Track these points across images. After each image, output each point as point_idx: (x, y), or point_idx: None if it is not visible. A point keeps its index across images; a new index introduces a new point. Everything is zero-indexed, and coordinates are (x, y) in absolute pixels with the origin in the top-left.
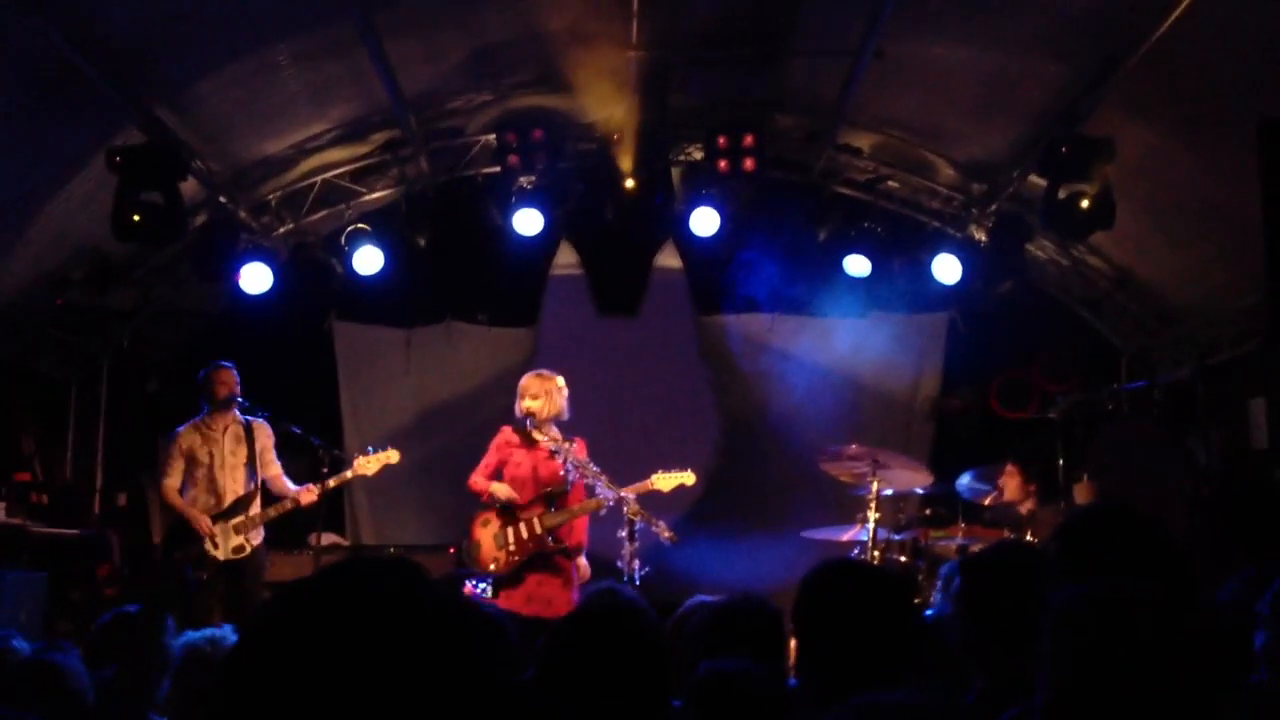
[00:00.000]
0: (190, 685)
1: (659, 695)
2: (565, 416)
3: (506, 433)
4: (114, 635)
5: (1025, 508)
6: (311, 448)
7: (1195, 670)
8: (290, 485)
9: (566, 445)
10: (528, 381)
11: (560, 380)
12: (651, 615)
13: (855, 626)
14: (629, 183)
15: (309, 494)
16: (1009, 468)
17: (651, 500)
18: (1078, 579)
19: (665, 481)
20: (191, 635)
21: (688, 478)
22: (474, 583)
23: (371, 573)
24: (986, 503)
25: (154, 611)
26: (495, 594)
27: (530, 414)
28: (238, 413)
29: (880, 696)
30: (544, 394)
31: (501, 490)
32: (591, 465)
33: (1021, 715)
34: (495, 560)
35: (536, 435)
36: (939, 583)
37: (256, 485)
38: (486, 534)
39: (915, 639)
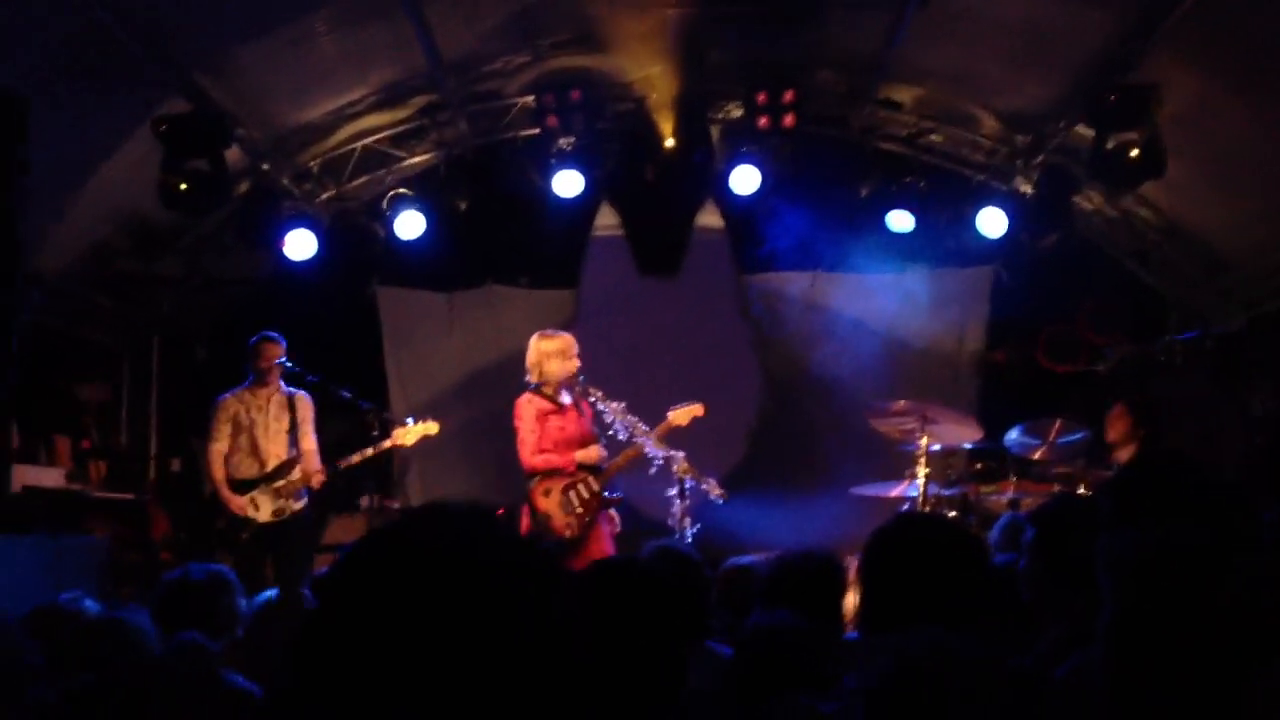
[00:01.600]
0: (260, 641)
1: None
2: (579, 375)
3: (535, 401)
4: (182, 595)
5: (1125, 453)
6: (360, 411)
7: (1246, 609)
8: (315, 464)
9: (614, 405)
10: (537, 344)
11: (568, 338)
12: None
13: (931, 577)
14: (669, 142)
15: (319, 477)
16: (1117, 408)
17: (695, 457)
18: (1130, 528)
19: (680, 416)
20: (264, 594)
21: (697, 409)
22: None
23: (451, 519)
24: (1037, 456)
25: (219, 572)
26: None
27: (546, 377)
28: (282, 383)
29: (926, 636)
30: (557, 354)
31: (590, 455)
32: (640, 424)
33: (1084, 661)
34: (569, 525)
35: (559, 398)
36: (995, 535)
37: (299, 452)
38: (551, 503)
39: (988, 590)
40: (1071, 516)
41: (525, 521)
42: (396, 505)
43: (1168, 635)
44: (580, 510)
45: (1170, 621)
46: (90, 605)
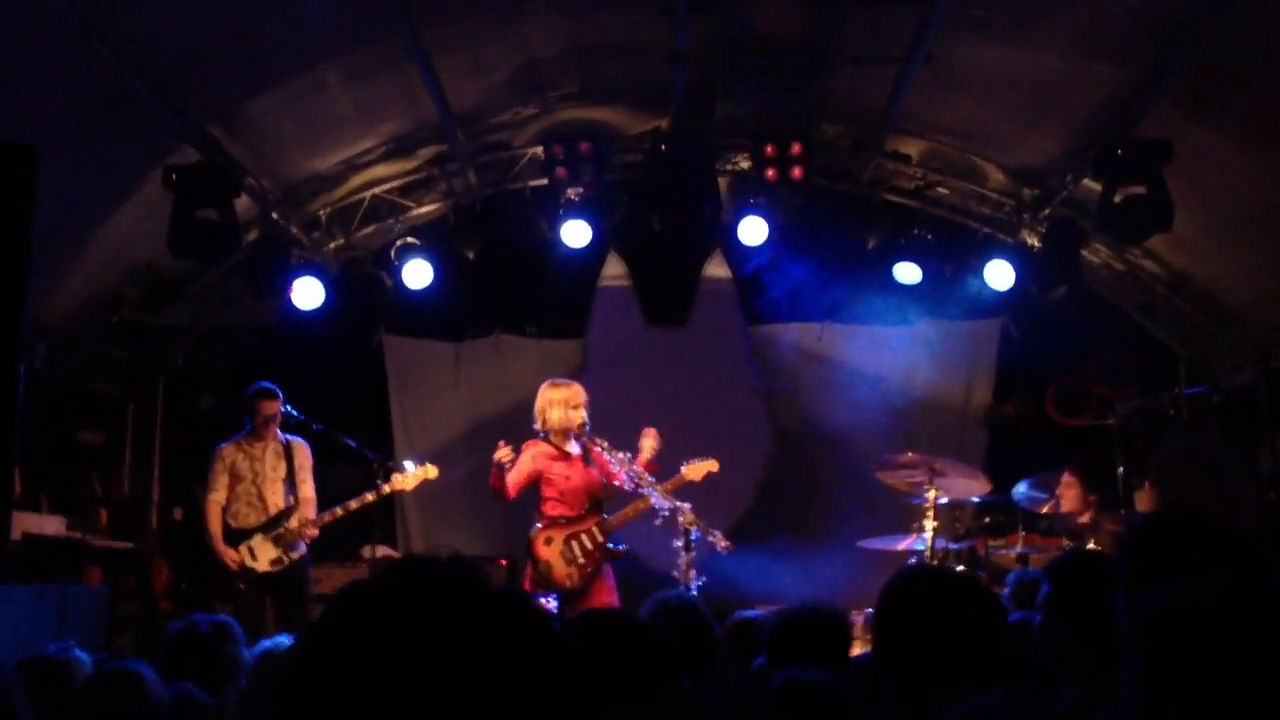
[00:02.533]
0: (262, 692)
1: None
2: (585, 425)
3: (539, 447)
4: (188, 646)
5: (1085, 518)
6: (366, 460)
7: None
8: (311, 513)
9: (621, 456)
10: (545, 393)
11: (576, 388)
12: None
13: (947, 631)
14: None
15: (312, 531)
16: (1066, 477)
17: (702, 509)
18: (1153, 583)
19: (694, 471)
20: (264, 644)
21: (712, 465)
22: (544, 598)
23: (430, 572)
24: (1044, 510)
25: (225, 623)
26: (561, 610)
27: (549, 426)
28: (279, 431)
29: (991, 701)
30: (563, 403)
31: (503, 454)
32: (647, 476)
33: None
34: (569, 576)
35: (566, 447)
36: (1006, 591)
37: (296, 501)
38: (553, 552)
39: (1004, 645)
40: (1087, 572)
41: (528, 571)
42: (398, 555)
43: (1198, 694)
44: (583, 561)
45: (1201, 680)
46: (81, 655)
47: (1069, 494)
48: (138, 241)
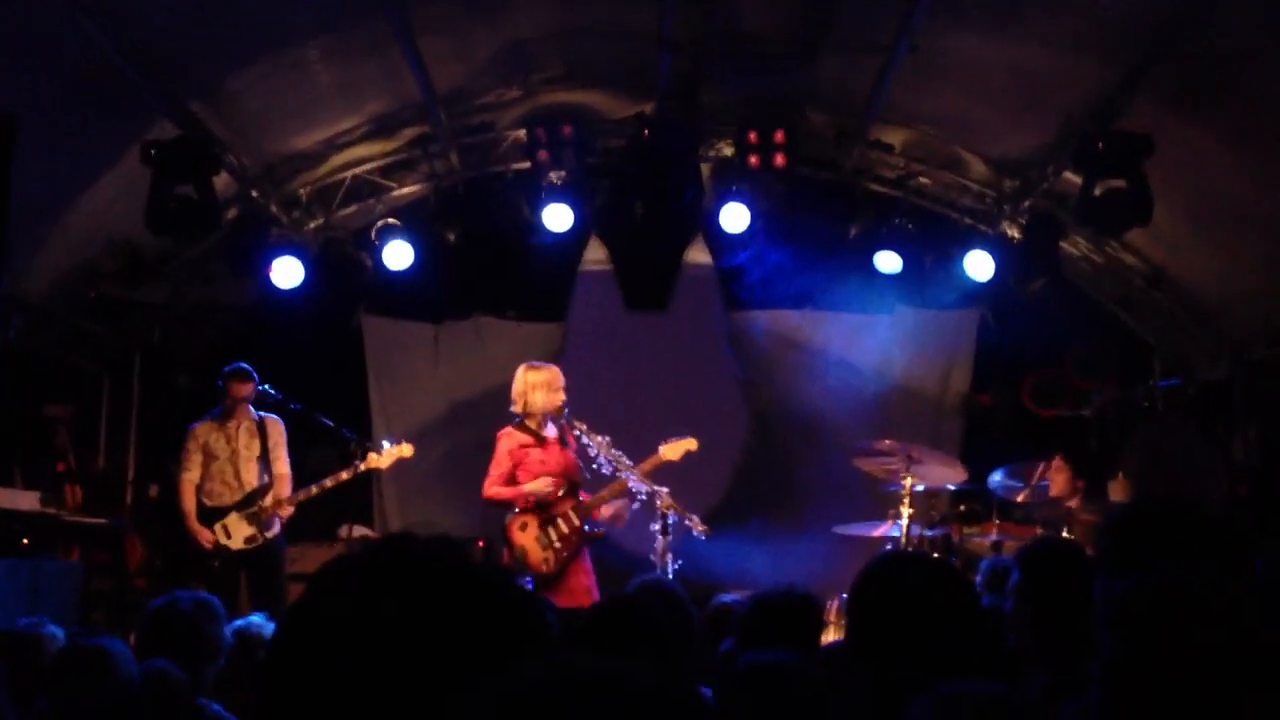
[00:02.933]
0: (241, 670)
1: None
2: (564, 408)
3: (514, 435)
4: (168, 623)
5: (1072, 503)
6: (343, 440)
7: (1261, 653)
8: (287, 488)
9: (598, 439)
10: (524, 376)
11: (555, 371)
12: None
13: (920, 617)
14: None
15: (288, 509)
16: (1057, 462)
17: (680, 493)
18: (1130, 571)
19: (672, 450)
20: (238, 623)
21: (690, 443)
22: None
23: (414, 550)
24: (1020, 499)
25: (207, 600)
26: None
27: (532, 409)
28: (251, 409)
29: (965, 686)
30: (543, 386)
31: (540, 486)
32: (624, 458)
33: (1080, 709)
34: (545, 561)
35: (543, 431)
36: (979, 578)
37: (271, 479)
38: (528, 538)
39: (977, 631)
40: (1057, 559)
41: (504, 557)
42: (375, 536)
43: (1169, 679)
44: (559, 545)
45: (1172, 665)
46: (54, 630)
47: (1058, 478)
48: (117, 217)
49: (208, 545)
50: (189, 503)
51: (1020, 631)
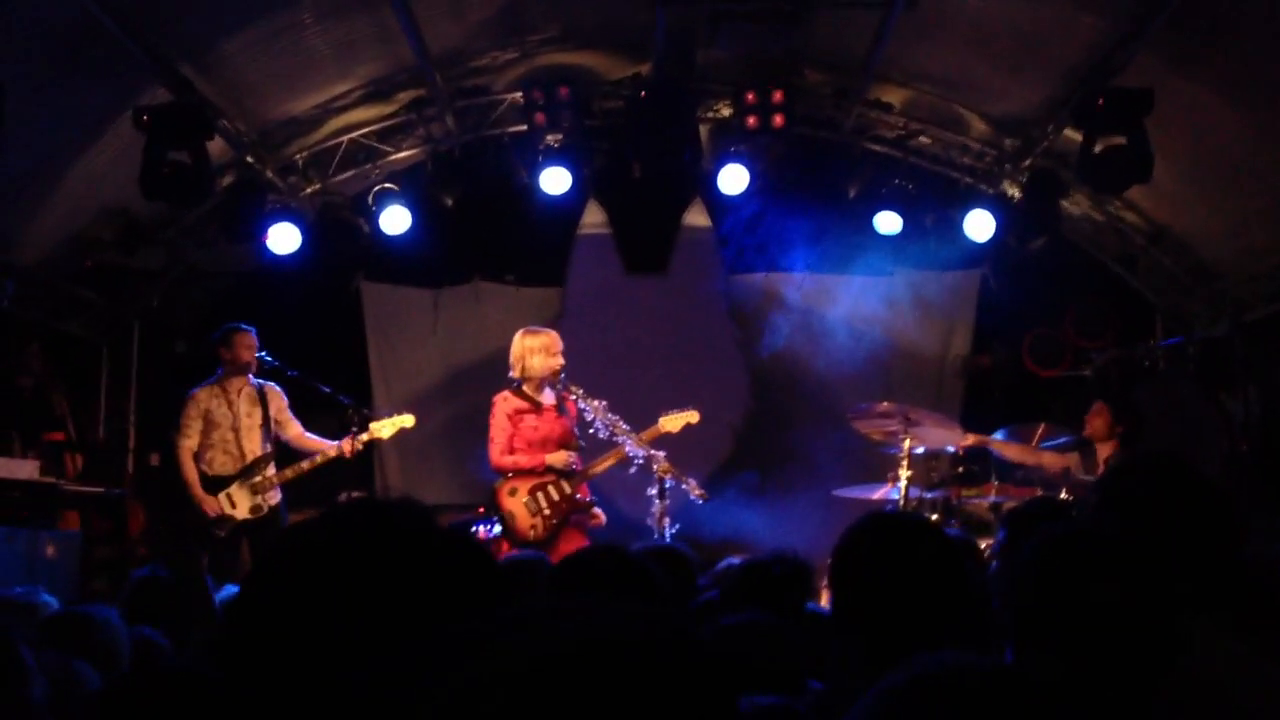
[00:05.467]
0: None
1: None
2: (561, 372)
3: (509, 399)
4: (150, 593)
5: (1107, 449)
6: (340, 406)
7: (1154, 613)
8: (319, 440)
9: (595, 404)
10: (521, 341)
11: (553, 335)
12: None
13: (904, 580)
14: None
15: (343, 446)
16: (1097, 405)
17: (680, 457)
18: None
19: (672, 422)
20: (229, 589)
21: (692, 415)
22: (483, 525)
23: (374, 513)
24: (1033, 444)
25: (190, 570)
26: None
27: (530, 374)
28: (250, 377)
29: (944, 659)
30: (540, 351)
31: (559, 459)
32: (621, 423)
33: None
34: (534, 527)
35: (539, 396)
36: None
37: (272, 447)
38: (517, 503)
39: (960, 593)
40: (1046, 518)
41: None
42: None
43: (1061, 630)
44: (548, 512)
45: (1065, 617)
46: (48, 599)
47: (1096, 422)
48: (111, 184)
49: (211, 514)
50: (190, 472)
51: (1004, 591)
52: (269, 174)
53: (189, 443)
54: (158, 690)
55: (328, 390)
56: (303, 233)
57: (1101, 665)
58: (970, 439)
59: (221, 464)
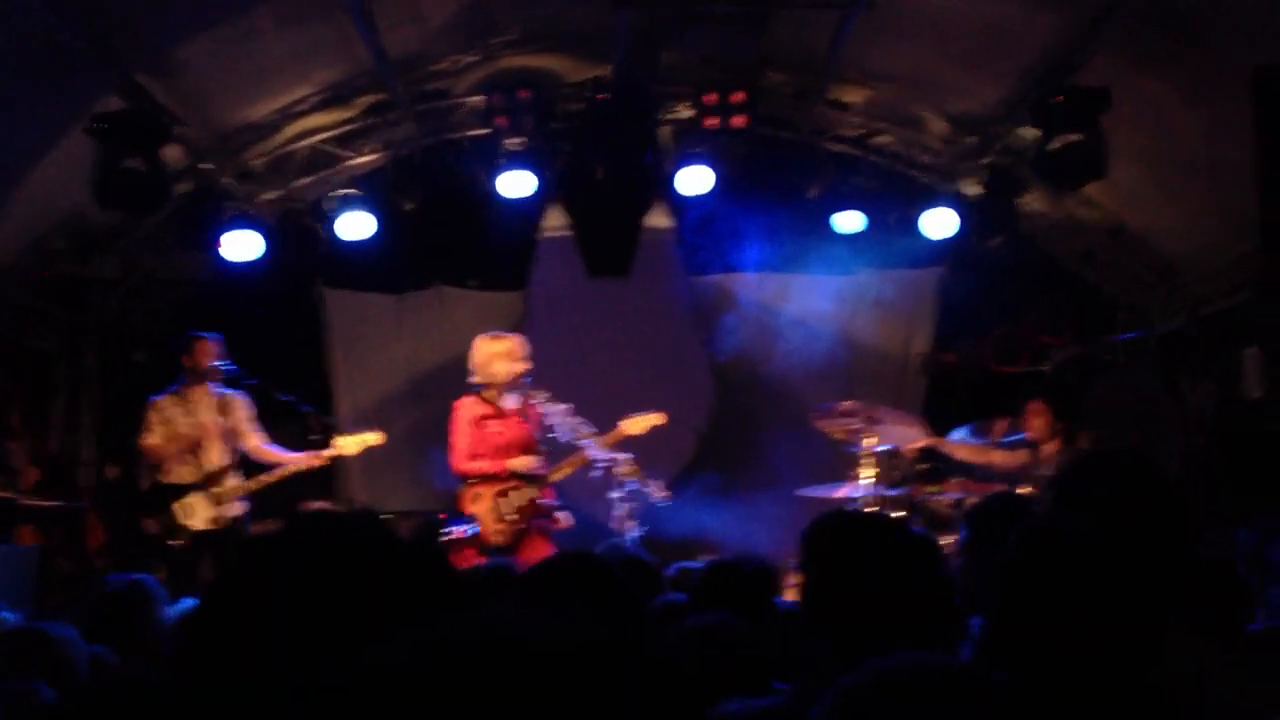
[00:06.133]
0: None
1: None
2: (525, 377)
3: (472, 405)
4: (103, 607)
5: (1050, 448)
6: (301, 415)
7: (1128, 605)
8: (280, 451)
9: (559, 408)
10: (483, 346)
11: (516, 340)
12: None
13: (859, 574)
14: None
15: (309, 459)
16: (1035, 405)
17: (644, 460)
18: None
19: (635, 425)
20: (185, 603)
21: (657, 418)
22: (460, 526)
23: (333, 526)
24: (993, 443)
25: (146, 584)
26: None
27: (494, 380)
28: (213, 385)
29: (903, 660)
30: (503, 356)
31: (523, 464)
32: (585, 426)
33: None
34: (498, 533)
35: (502, 402)
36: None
37: (235, 458)
38: (481, 509)
39: (921, 590)
40: (1006, 515)
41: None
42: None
43: (1050, 624)
44: (514, 517)
45: (1052, 610)
46: (7, 615)
47: (1036, 422)
48: (66, 192)
49: (200, 526)
50: (150, 451)
51: (965, 588)
52: (227, 181)
53: (151, 439)
54: (112, 704)
55: (289, 399)
56: (263, 239)
57: (1081, 662)
58: (922, 442)
59: (180, 473)
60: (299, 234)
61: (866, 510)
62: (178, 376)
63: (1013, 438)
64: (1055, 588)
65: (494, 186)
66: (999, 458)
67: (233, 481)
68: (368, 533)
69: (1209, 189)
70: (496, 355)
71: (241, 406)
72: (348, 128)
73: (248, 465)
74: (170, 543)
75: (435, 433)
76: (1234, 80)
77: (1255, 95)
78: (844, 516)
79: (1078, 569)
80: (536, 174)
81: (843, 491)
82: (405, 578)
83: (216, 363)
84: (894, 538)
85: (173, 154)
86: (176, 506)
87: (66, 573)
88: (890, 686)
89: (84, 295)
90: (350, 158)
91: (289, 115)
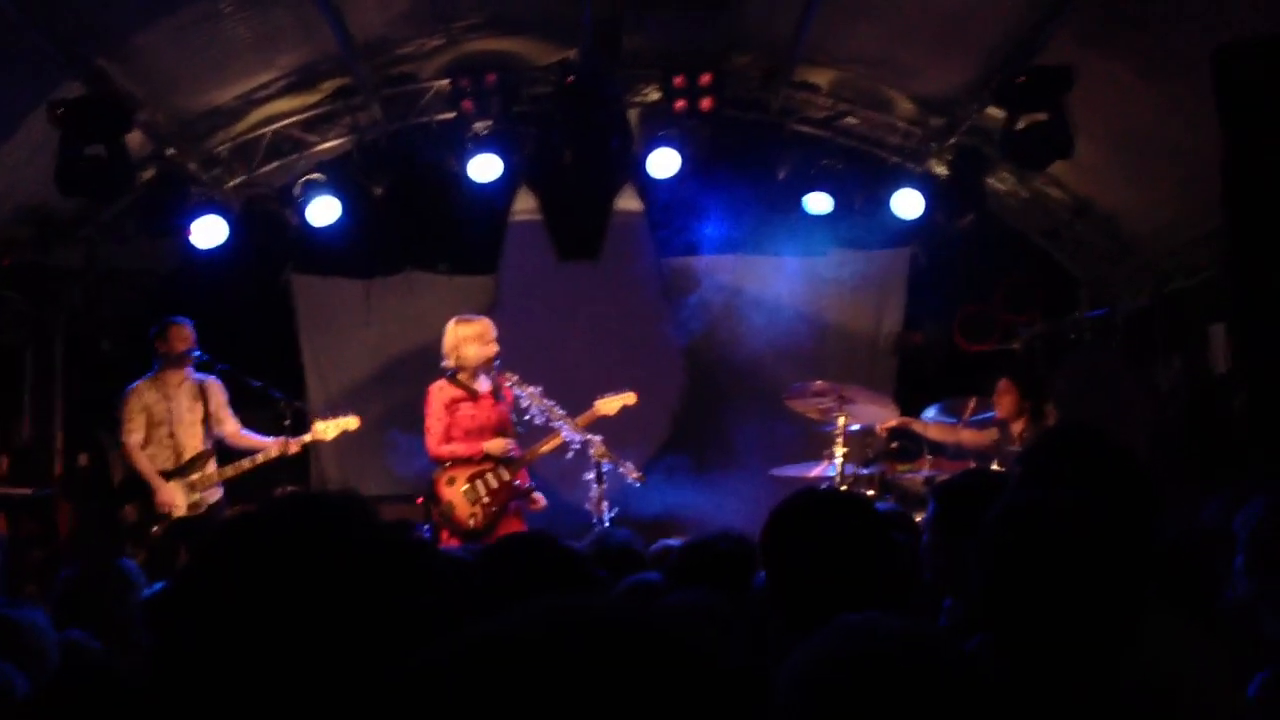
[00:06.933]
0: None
1: None
2: (496, 360)
3: (445, 389)
4: (76, 592)
5: (1019, 425)
6: (272, 401)
7: (1113, 576)
8: (257, 437)
9: (530, 390)
10: (455, 330)
11: (486, 323)
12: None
13: (822, 553)
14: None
15: (278, 446)
16: (1003, 383)
17: (618, 442)
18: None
19: (608, 405)
20: (155, 587)
21: (629, 397)
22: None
23: (312, 506)
24: (964, 421)
25: (117, 567)
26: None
27: (466, 363)
28: (190, 370)
29: (858, 617)
30: (475, 339)
31: (497, 446)
32: (557, 408)
33: (986, 642)
34: (473, 516)
35: (474, 385)
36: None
37: (212, 443)
38: (455, 492)
39: (885, 567)
40: (974, 491)
41: (433, 513)
42: None
43: (1035, 596)
44: (487, 500)
45: (1037, 582)
46: None
47: (1005, 400)
48: (26, 181)
49: (167, 504)
50: (143, 464)
51: (935, 564)
52: (191, 167)
53: (135, 437)
54: (85, 694)
55: (259, 385)
56: (229, 226)
57: (1063, 638)
58: (893, 421)
59: (162, 460)
60: (266, 220)
61: (830, 488)
62: (151, 363)
63: (982, 416)
64: (1038, 563)
65: (462, 170)
66: (968, 436)
67: (211, 468)
68: (346, 513)
69: (1170, 168)
70: (467, 338)
71: (218, 391)
72: (313, 112)
73: (223, 451)
74: (150, 529)
75: (405, 418)
76: (1197, 60)
77: (1216, 74)
78: (808, 494)
79: (1060, 544)
80: (504, 158)
81: (816, 470)
82: (383, 559)
83: (189, 347)
84: (855, 513)
85: (136, 140)
86: (159, 488)
87: (36, 561)
88: (858, 643)
89: (48, 284)
90: (316, 143)
91: (253, 100)
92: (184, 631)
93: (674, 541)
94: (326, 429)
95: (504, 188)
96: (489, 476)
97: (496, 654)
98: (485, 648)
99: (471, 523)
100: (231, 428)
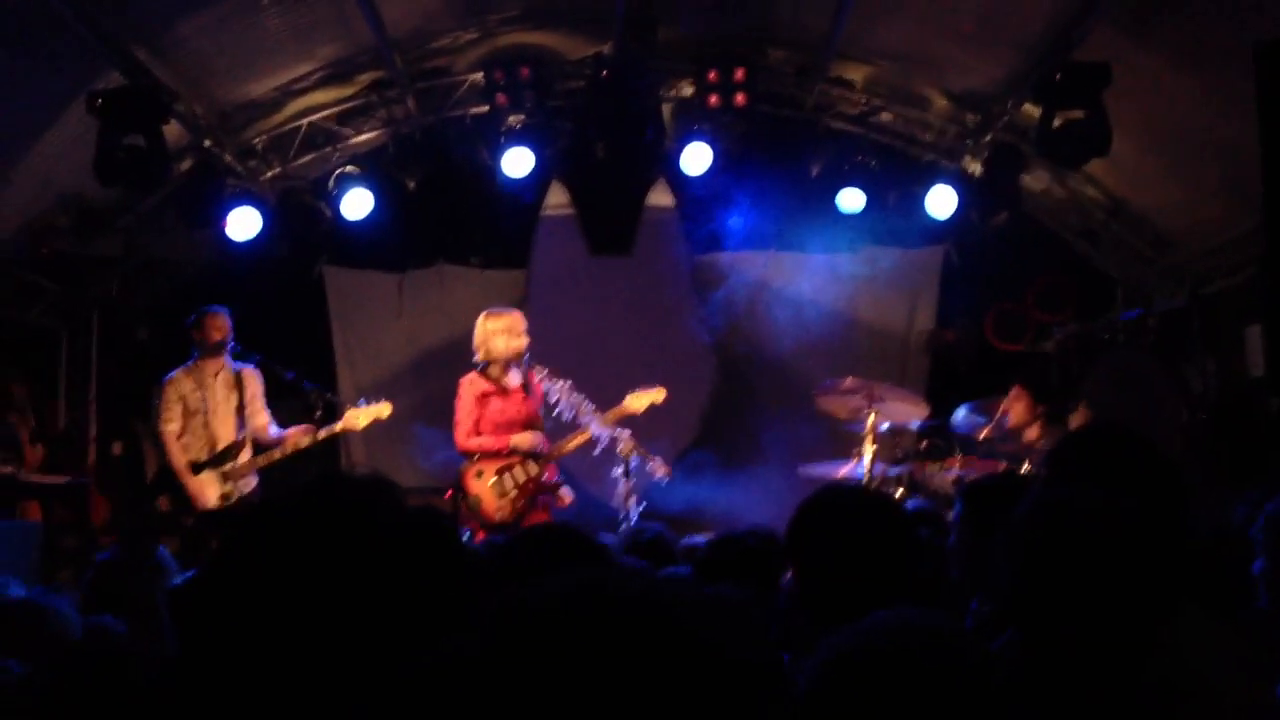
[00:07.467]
0: None
1: None
2: (525, 353)
3: (476, 382)
4: (107, 578)
5: (1032, 431)
6: (304, 392)
7: (1143, 575)
8: (277, 431)
9: (559, 384)
10: (484, 323)
11: (515, 316)
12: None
13: (848, 551)
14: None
15: (305, 433)
16: (1015, 390)
17: (645, 437)
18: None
19: (638, 401)
20: (185, 575)
21: (658, 394)
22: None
23: (343, 491)
24: (983, 434)
25: (147, 555)
26: None
27: (495, 356)
28: (228, 359)
29: (886, 614)
30: (504, 332)
31: (525, 440)
32: (586, 403)
33: (1013, 640)
34: (500, 510)
35: (504, 379)
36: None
37: (247, 433)
38: (483, 485)
39: (912, 565)
40: (1001, 491)
41: (461, 506)
42: None
43: (1065, 593)
44: (514, 494)
45: (1069, 579)
46: (16, 591)
47: (1018, 406)
48: (66, 171)
49: (211, 503)
50: (179, 457)
51: (962, 563)
52: (228, 158)
53: (172, 427)
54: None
55: (291, 376)
56: (264, 218)
57: (1093, 635)
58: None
59: (196, 450)
60: (300, 212)
61: (855, 486)
62: (188, 352)
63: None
64: (1066, 561)
65: (495, 164)
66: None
67: (245, 457)
68: (374, 497)
69: (1209, 166)
70: (496, 332)
71: (254, 381)
72: (348, 105)
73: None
74: (184, 520)
75: (435, 411)
76: (1237, 56)
77: (1258, 69)
78: (834, 491)
79: (1090, 542)
80: (537, 152)
81: (845, 469)
82: (413, 545)
83: (225, 335)
84: (880, 511)
85: (173, 131)
86: (188, 483)
87: (70, 549)
88: (885, 638)
89: (85, 273)
90: (351, 135)
91: (289, 93)
92: (210, 620)
93: (699, 539)
94: (358, 417)
95: (536, 182)
96: (517, 470)
97: (516, 645)
98: (507, 634)
99: (499, 516)
100: (261, 421)
